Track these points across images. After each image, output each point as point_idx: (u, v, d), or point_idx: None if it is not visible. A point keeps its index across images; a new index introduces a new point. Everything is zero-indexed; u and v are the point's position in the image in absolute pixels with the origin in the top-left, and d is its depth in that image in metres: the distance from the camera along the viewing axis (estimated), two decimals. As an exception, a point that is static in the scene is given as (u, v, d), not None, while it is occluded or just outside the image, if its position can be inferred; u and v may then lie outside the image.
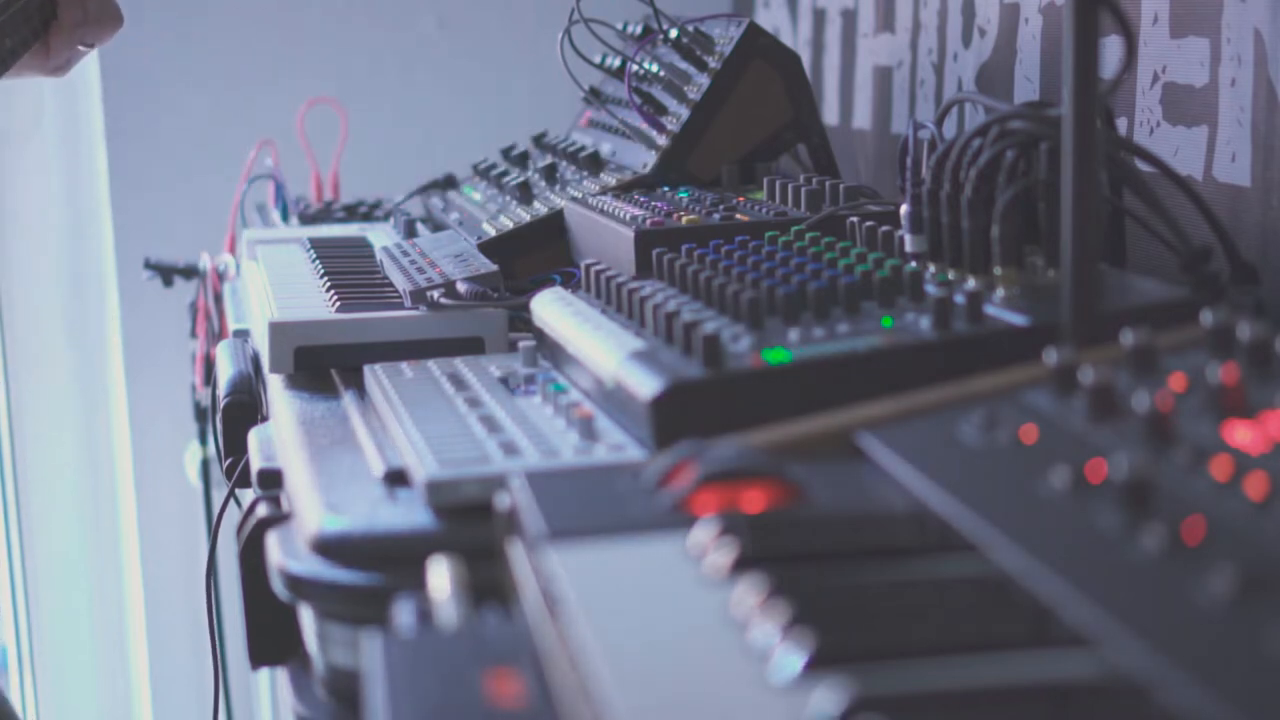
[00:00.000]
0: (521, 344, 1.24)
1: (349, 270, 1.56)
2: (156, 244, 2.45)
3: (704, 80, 1.66)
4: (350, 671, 0.96)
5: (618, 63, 1.84)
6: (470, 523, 0.94)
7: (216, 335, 2.01)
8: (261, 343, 1.36)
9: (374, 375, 1.22)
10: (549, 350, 1.23)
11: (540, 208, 1.66)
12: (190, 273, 2.20)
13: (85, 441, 2.80)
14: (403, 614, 0.78)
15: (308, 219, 2.04)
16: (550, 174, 1.75)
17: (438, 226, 1.85)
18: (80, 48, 1.61)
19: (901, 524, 0.78)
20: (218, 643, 1.77)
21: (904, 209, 1.20)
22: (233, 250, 2.12)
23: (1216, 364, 0.81)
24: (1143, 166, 1.21)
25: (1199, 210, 1.15)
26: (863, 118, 2.05)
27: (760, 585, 0.69)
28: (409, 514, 0.98)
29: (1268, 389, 0.79)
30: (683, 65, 1.69)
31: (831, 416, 0.94)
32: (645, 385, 0.99)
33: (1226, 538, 0.66)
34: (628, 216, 1.42)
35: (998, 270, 1.10)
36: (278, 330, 1.31)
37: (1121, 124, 1.39)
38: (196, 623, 2.69)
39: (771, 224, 1.37)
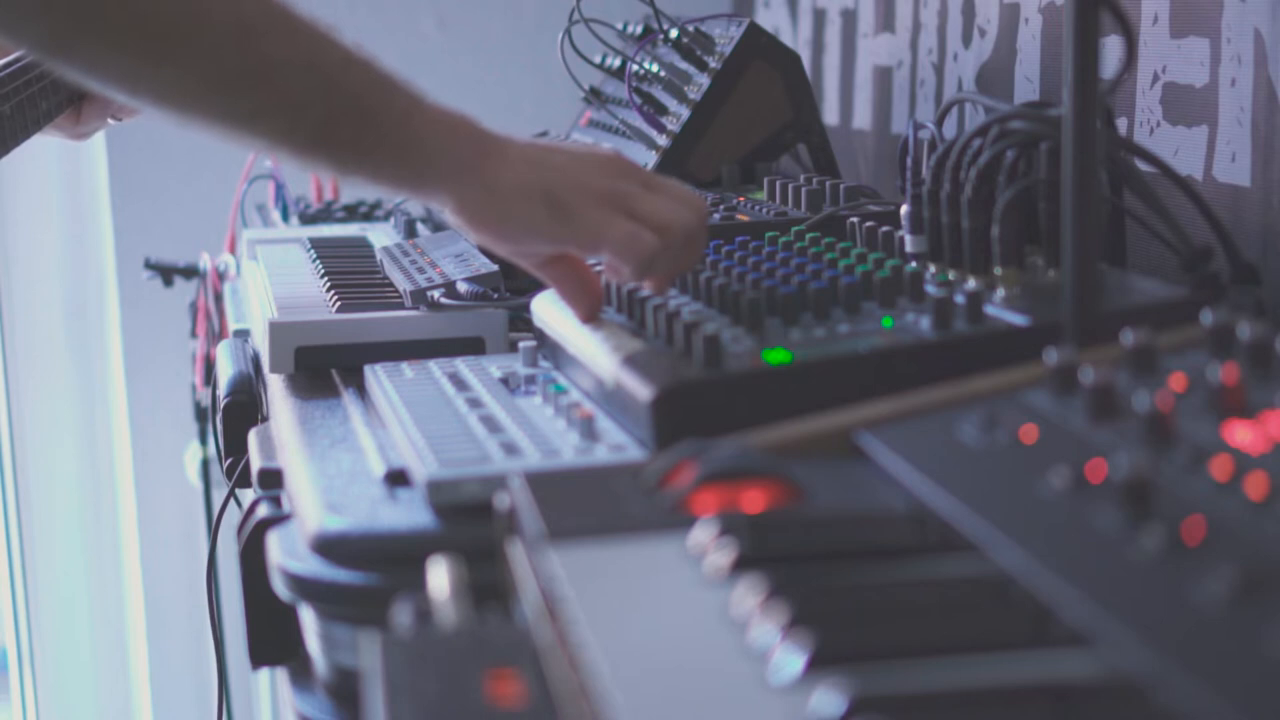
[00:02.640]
0: (522, 344, 1.24)
1: (349, 270, 1.56)
2: (156, 244, 2.45)
3: (704, 80, 1.66)
4: (350, 671, 0.96)
5: (618, 63, 1.84)
6: (470, 523, 0.94)
7: (216, 335, 2.01)
8: (261, 343, 1.36)
9: (374, 375, 1.22)
10: (549, 350, 1.23)
11: (540, 208, 1.66)
12: (190, 273, 2.20)
13: (85, 441, 2.80)
14: (402, 614, 0.78)
15: (308, 219, 2.04)
16: (550, 174, 1.75)
17: (438, 226, 1.84)
18: (110, 120, 1.65)
19: (901, 524, 0.78)
20: (219, 642, 1.77)
21: (904, 209, 1.20)
22: (233, 250, 2.12)
23: (1216, 364, 0.81)
24: (1143, 166, 1.21)
25: (1199, 210, 1.15)
26: (863, 118, 2.05)
27: (760, 585, 0.69)
28: (409, 514, 0.98)
29: (1268, 389, 0.79)
30: (683, 65, 1.69)
31: (831, 416, 0.94)
32: (645, 385, 0.99)
33: (1226, 538, 0.66)
34: (628, 216, 1.42)
35: (998, 270, 1.10)
36: (278, 330, 1.31)
37: (1121, 124, 1.39)
38: (196, 623, 2.69)
39: (771, 224, 1.37)
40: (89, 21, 1.06)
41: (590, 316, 1.18)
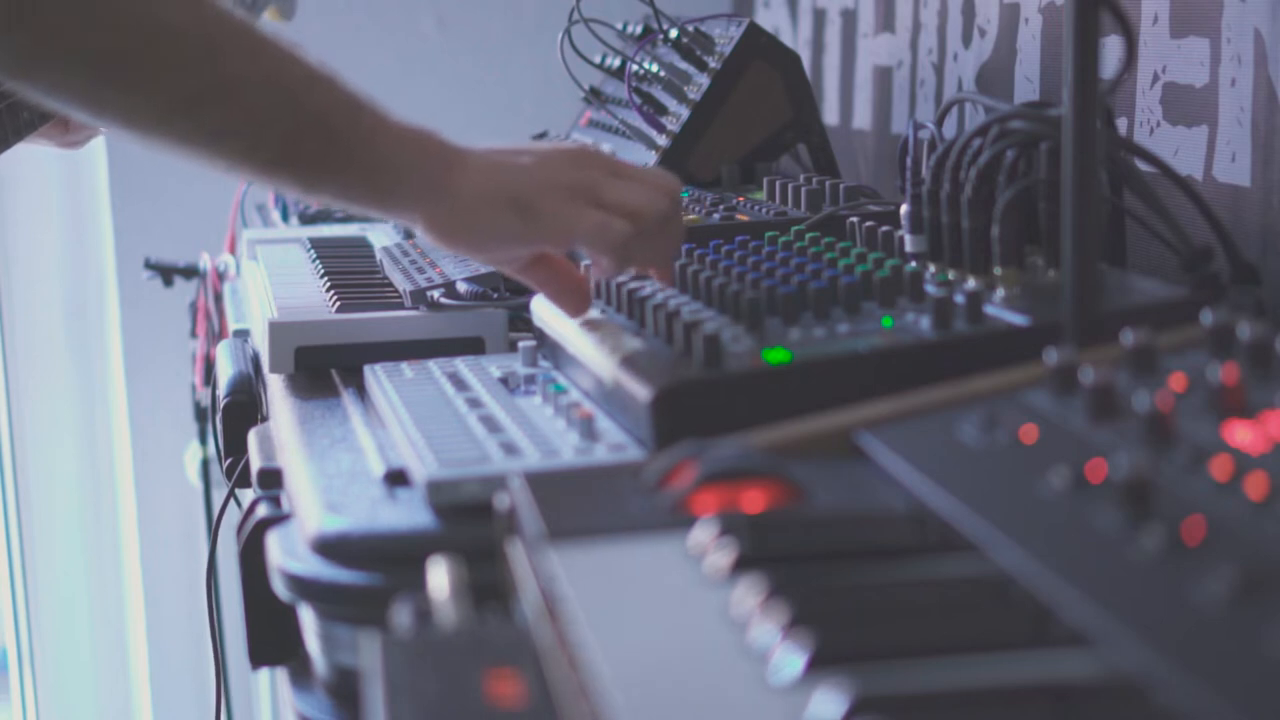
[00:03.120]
0: (521, 344, 1.24)
1: (349, 270, 1.56)
2: (156, 244, 2.45)
3: (704, 80, 1.66)
4: (350, 671, 0.96)
5: (618, 63, 1.84)
6: (470, 523, 0.94)
7: (216, 335, 2.01)
8: (261, 343, 1.36)
9: (374, 375, 1.22)
10: (549, 350, 1.23)
11: (540, 208, 1.66)
12: (190, 273, 2.20)
13: (85, 441, 2.80)
14: (402, 614, 0.78)
15: (308, 219, 2.04)
16: (550, 174, 1.75)
17: (438, 226, 1.84)
18: (101, 129, 1.64)
19: (901, 524, 0.78)
20: (218, 642, 1.77)
21: (904, 209, 1.20)
22: (233, 250, 2.12)
23: (1216, 364, 0.81)
24: (1143, 166, 1.21)
25: (1199, 210, 1.15)
26: (863, 118, 2.05)
27: (760, 585, 0.69)
28: (409, 514, 0.98)
29: (1268, 389, 0.79)
30: (683, 65, 1.69)
31: (831, 416, 0.94)
32: (645, 385, 0.99)
33: (1226, 538, 0.66)
34: (628, 216, 1.42)
35: (998, 270, 1.10)
36: (278, 330, 1.31)
37: (1121, 124, 1.39)
38: (196, 623, 2.69)
39: (771, 224, 1.37)
40: (50, 43, 1.04)
41: (579, 312, 1.18)
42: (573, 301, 1.19)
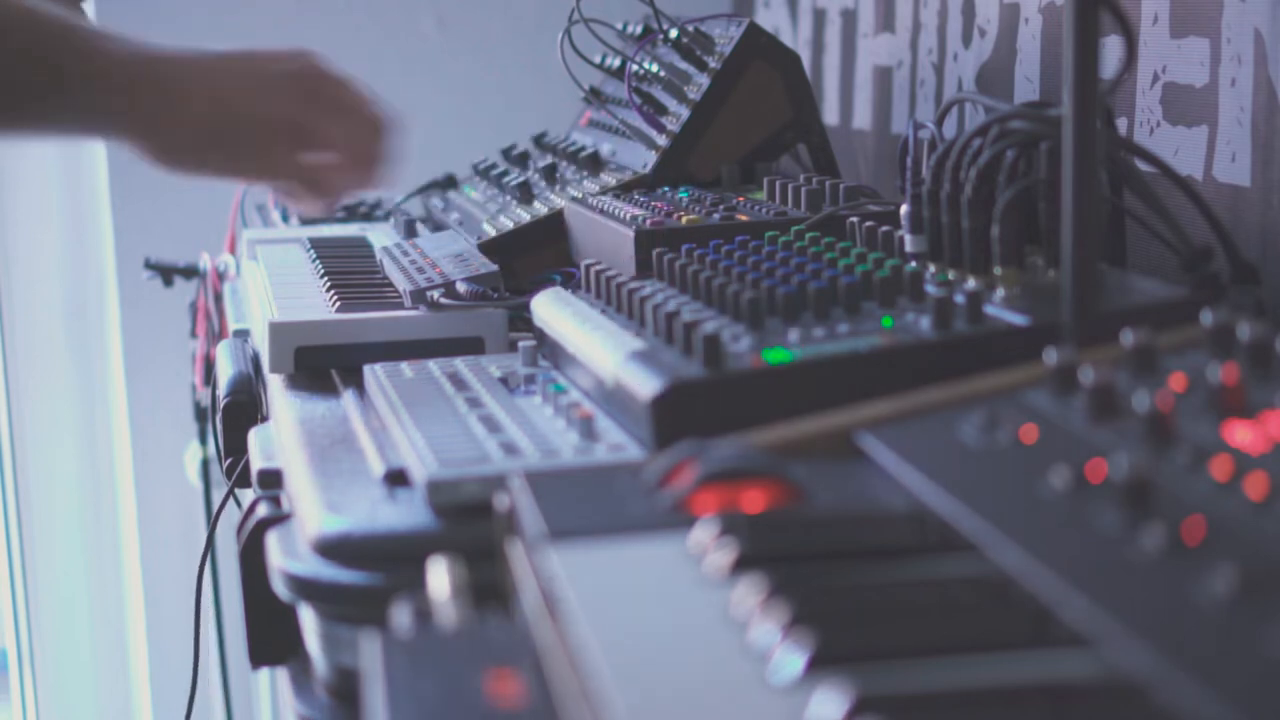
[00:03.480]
0: (521, 344, 1.24)
1: (349, 270, 1.56)
2: (156, 244, 2.45)
3: (704, 80, 1.66)
4: (350, 671, 0.96)
5: (618, 63, 1.84)
6: (470, 523, 0.94)
7: (216, 335, 2.01)
8: (261, 343, 1.36)
9: (374, 375, 1.22)
10: (549, 350, 1.23)
11: (540, 208, 1.66)
12: (190, 273, 2.20)
13: (85, 441, 2.80)
14: (402, 614, 0.78)
15: (308, 219, 2.04)
16: (550, 174, 1.75)
17: (438, 226, 1.85)
18: None
19: (901, 524, 0.78)
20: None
21: (904, 209, 1.20)
22: (233, 250, 2.12)
23: (1216, 364, 0.81)
24: (1143, 166, 1.21)
25: (1199, 210, 1.15)
26: (863, 118, 2.05)
27: (760, 585, 0.69)
28: (409, 514, 0.98)
29: (1268, 389, 0.79)
30: (683, 65, 1.69)
31: (831, 416, 0.94)
32: (645, 385, 0.99)
33: (1226, 538, 0.66)
34: (628, 216, 1.42)
35: (998, 270, 1.10)
36: (278, 330, 1.31)
37: (1121, 124, 1.39)
38: (197, 623, 2.69)
39: (771, 224, 1.37)
40: None
41: (319, 211, 1.28)
42: (309, 202, 1.26)
